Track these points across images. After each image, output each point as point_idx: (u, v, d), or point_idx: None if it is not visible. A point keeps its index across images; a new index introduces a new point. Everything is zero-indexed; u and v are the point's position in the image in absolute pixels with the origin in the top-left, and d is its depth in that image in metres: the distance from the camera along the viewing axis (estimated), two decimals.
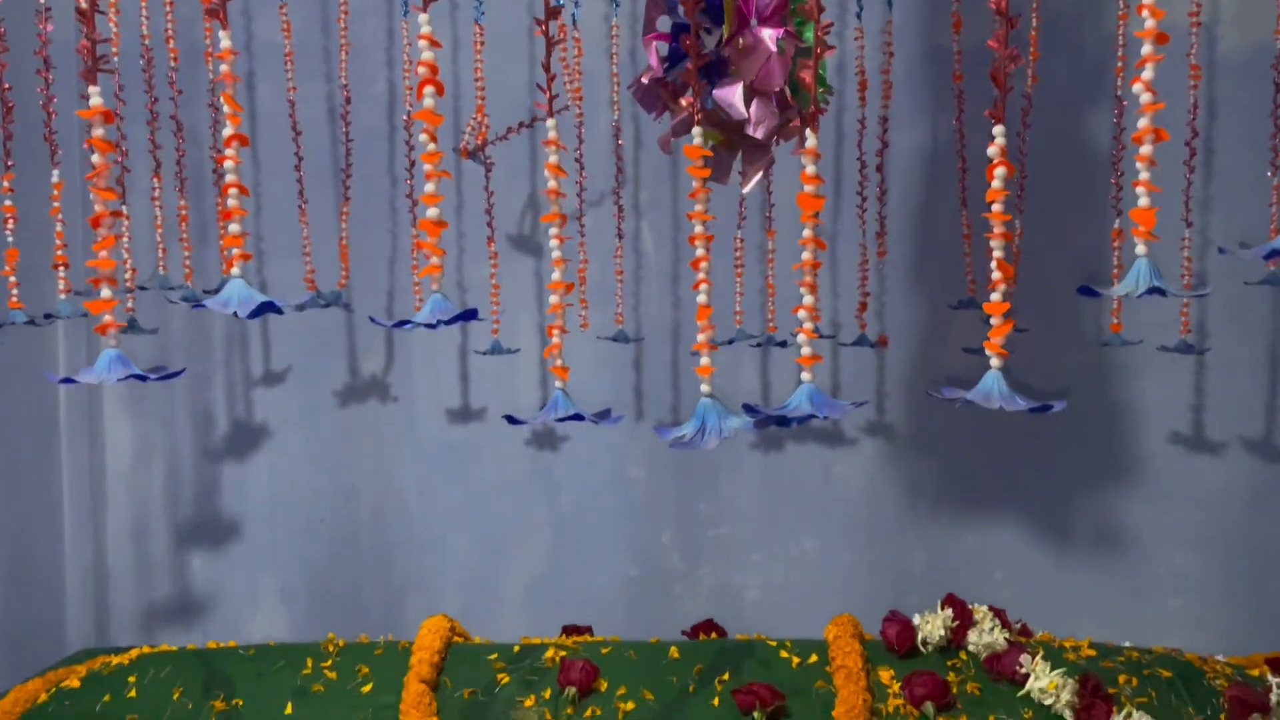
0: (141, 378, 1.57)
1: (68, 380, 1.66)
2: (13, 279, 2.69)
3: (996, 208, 1.58)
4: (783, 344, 3.06)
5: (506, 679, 2.41)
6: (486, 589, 3.42)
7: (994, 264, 1.59)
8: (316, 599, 3.47)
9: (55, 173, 2.71)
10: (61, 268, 2.71)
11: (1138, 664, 2.29)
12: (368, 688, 2.43)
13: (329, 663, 2.50)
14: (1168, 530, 3.07)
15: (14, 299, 2.72)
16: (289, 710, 2.39)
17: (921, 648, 2.34)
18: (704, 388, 1.70)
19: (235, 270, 1.60)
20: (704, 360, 1.68)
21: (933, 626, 2.32)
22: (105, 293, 1.57)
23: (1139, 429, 3.07)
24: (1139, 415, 3.07)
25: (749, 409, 1.68)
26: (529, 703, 2.37)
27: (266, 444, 3.54)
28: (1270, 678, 2.18)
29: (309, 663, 2.50)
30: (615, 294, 3.16)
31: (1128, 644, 2.40)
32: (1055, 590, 3.12)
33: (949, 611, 2.33)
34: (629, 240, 3.27)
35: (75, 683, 2.53)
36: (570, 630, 2.74)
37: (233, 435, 3.52)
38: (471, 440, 3.48)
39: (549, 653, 2.46)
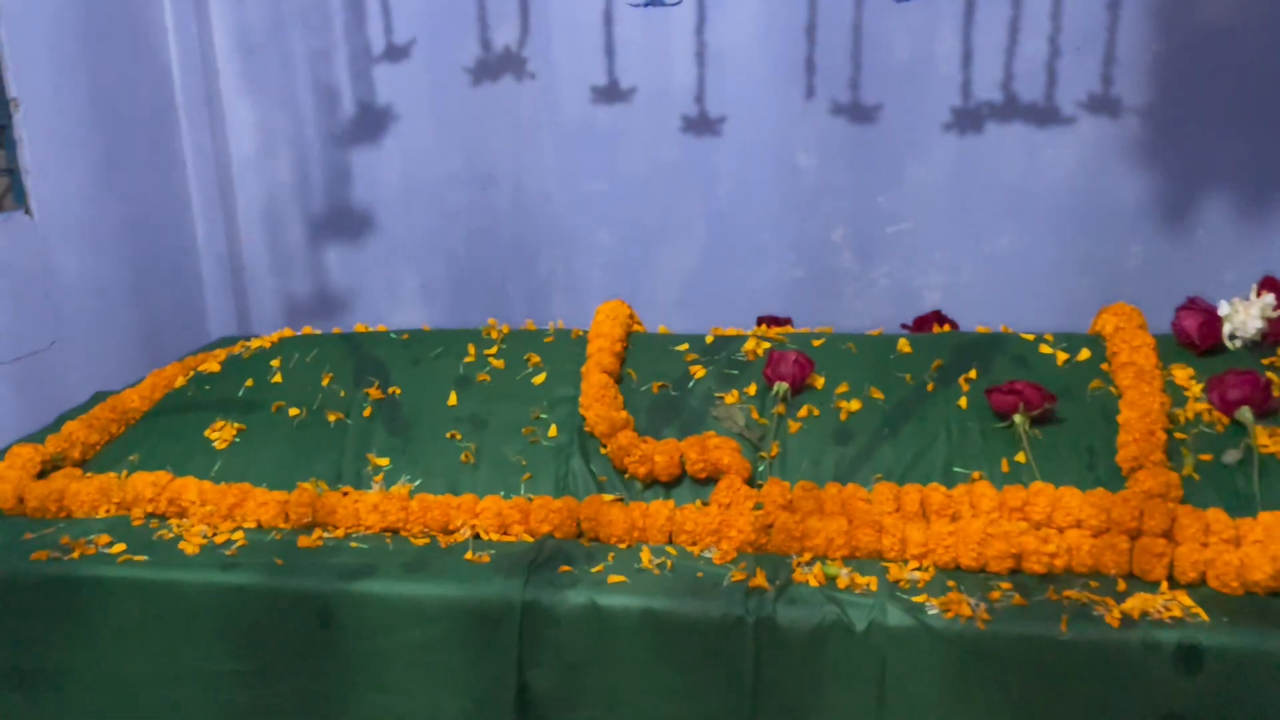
0: None
1: None
2: None
3: None
4: None
5: (701, 372, 1.77)
6: (637, 287, 2.72)
7: None
8: (458, 294, 2.83)
9: None
10: None
11: None
12: (540, 378, 1.81)
13: (493, 350, 1.88)
14: None
15: None
16: (453, 401, 1.80)
17: (1228, 343, 1.63)
18: None
19: None
20: None
21: (1246, 316, 1.58)
22: None
23: None
24: None
25: None
26: (730, 398, 1.71)
27: (394, 127, 2.78)
28: None
29: (471, 349, 1.88)
30: None
31: None
32: None
33: (1269, 298, 1.59)
34: None
35: (215, 366, 1.95)
36: (768, 320, 2.04)
37: (359, 118, 2.75)
38: (618, 124, 2.67)
39: (749, 344, 1.78)
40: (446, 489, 1.71)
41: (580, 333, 1.91)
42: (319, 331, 1.99)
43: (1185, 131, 2.33)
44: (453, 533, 1.64)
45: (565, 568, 1.52)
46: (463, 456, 1.75)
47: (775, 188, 2.58)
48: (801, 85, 2.50)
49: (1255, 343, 1.65)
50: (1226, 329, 1.65)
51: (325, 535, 1.64)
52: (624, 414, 1.71)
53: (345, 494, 1.70)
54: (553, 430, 1.76)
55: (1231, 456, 1.52)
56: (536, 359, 1.87)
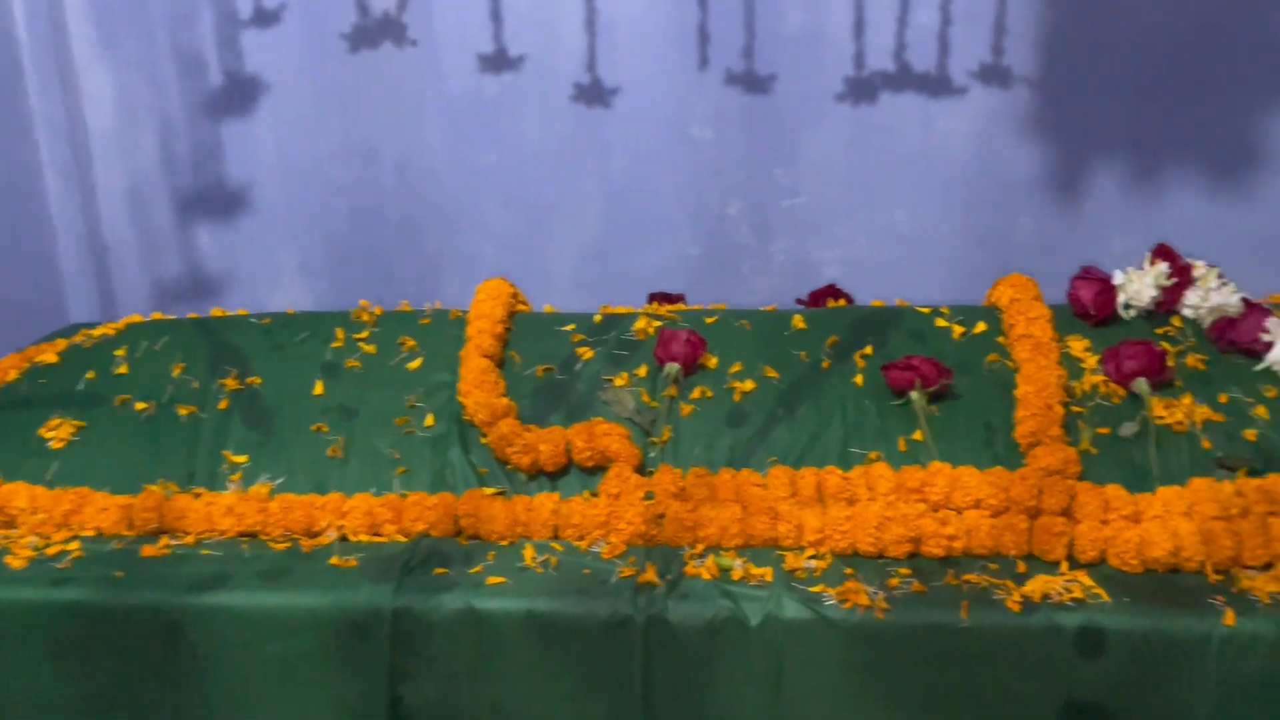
0: None
1: None
2: None
3: None
4: None
5: (589, 354, 1.63)
6: (530, 265, 2.54)
7: None
8: (342, 273, 2.61)
9: None
10: None
11: None
12: (415, 364, 1.66)
13: (364, 334, 1.71)
14: None
15: None
16: (319, 390, 1.62)
17: (1123, 312, 1.56)
18: None
19: None
20: None
21: (1140, 285, 1.52)
22: None
23: None
24: None
25: None
26: (620, 381, 1.58)
27: (266, 98, 2.54)
28: None
29: (339, 334, 1.71)
30: None
31: None
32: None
33: (1162, 266, 1.53)
34: None
35: (52, 357, 1.71)
36: (659, 298, 1.90)
37: (227, 88, 2.50)
38: (507, 94, 2.48)
39: (640, 323, 1.65)
40: (312, 487, 1.54)
41: (460, 313, 1.75)
42: (172, 317, 1.78)
43: (1074, 102, 2.28)
44: (317, 535, 1.48)
45: (441, 570, 1.38)
46: (330, 451, 1.58)
47: (670, 160, 2.44)
48: (694, 55, 2.37)
49: (1149, 312, 1.60)
50: (1121, 298, 1.59)
51: (173, 543, 1.46)
52: (505, 400, 1.57)
53: (197, 496, 1.51)
54: (429, 420, 1.61)
55: (1128, 429, 1.47)
56: (412, 343, 1.70)
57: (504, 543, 1.46)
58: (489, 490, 1.53)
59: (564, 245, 2.53)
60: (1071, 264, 1.81)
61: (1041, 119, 2.32)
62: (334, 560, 1.41)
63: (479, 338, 1.63)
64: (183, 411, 1.63)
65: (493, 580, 1.36)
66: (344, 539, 1.47)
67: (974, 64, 2.29)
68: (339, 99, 2.47)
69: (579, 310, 1.92)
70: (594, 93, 2.43)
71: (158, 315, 1.90)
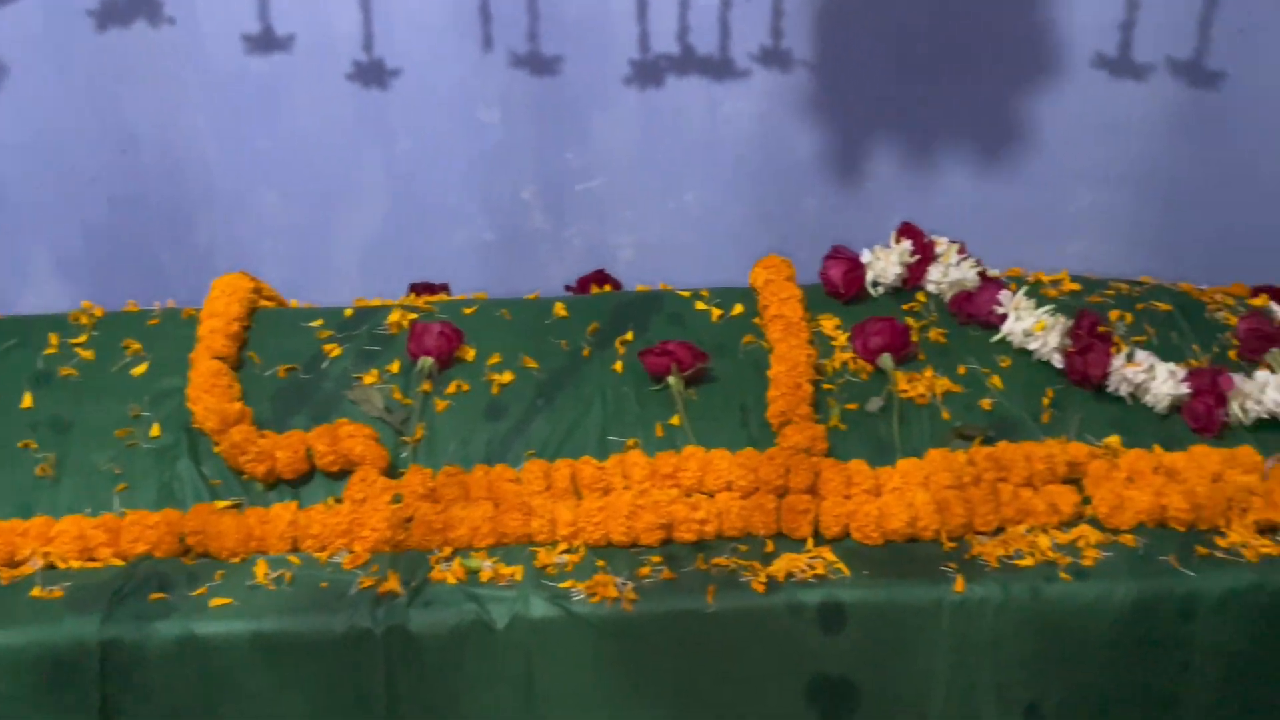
0: None
1: None
2: None
3: None
4: None
5: (337, 350, 1.52)
6: (312, 256, 2.40)
7: None
8: (104, 270, 2.38)
9: None
10: None
11: (1129, 297, 1.65)
12: (141, 369, 1.52)
13: (83, 339, 1.56)
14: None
15: None
16: (28, 403, 1.45)
17: (871, 290, 1.59)
18: None
19: None
20: None
21: (886, 263, 1.54)
22: None
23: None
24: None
25: None
26: (370, 378, 1.48)
27: (4, 81, 2.25)
28: (1275, 307, 1.53)
29: (53, 339, 1.53)
30: None
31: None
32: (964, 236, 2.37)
33: (906, 244, 1.57)
34: None
35: None
36: (421, 289, 1.81)
37: None
38: (278, 76, 2.30)
39: (394, 315, 1.56)
40: (15, 512, 1.38)
41: (193, 312, 1.60)
42: None
43: (850, 84, 2.32)
44: (20, 564, 1.31)
45: (159, 594, 1.25)
46: (39, 470, 1.42)
47: (458, 144, 2.34)
48: (478, 36, 2.27)
49: (896, 289, 1.63)
50: (869, 276, 1.61)
51: None
52: (239, 405, 1.45)
53: None
54: (155, 430, 1.47)
55: (875, 404, 1.49)
56: (137, 346, 1.55)
57: (236, 560, 1.34)
58: (221, 504, 1.40)
59: (349, 234, 2.38)
60: (855, 245, 1.84)
61: (821, 101, 2.36)
62: (36, 592, 1.25)
63: (210, 338, 1.49)
64: None
65: (217, 602, 1.24)
66: (50, 567, 1.31)
67: (755, 47, 2.31)
68: (87, 82, 2.23)
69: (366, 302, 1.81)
70: (373, 74, 2.29)
71: None
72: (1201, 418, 1.48)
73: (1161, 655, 1.28)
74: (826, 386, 1.53)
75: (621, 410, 1.50)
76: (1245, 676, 1.29)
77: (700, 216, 2.38)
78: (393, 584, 1.27)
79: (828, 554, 1.33)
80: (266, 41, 2.27)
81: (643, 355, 1.52)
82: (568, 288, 1.92)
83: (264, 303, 1.66)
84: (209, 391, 1.43)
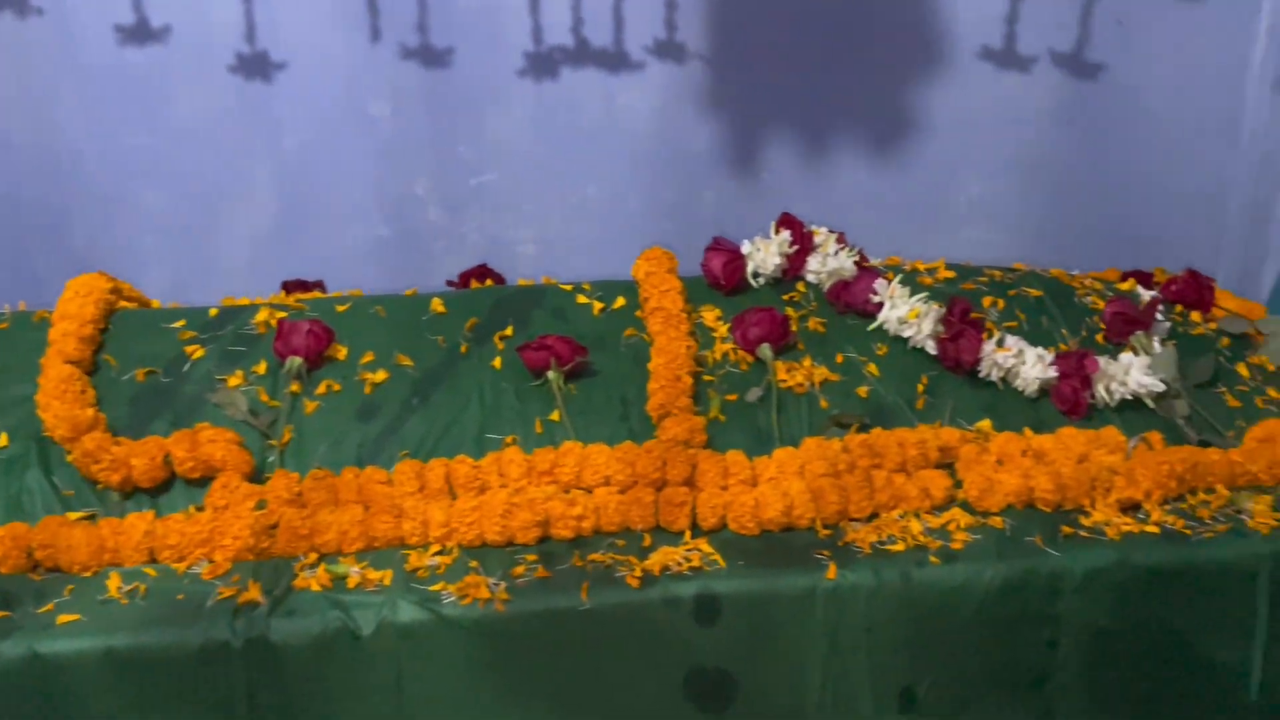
0: None
1: None
2: None
3: None
4: None
5: (200, 352, 1.46)
6: (199, 254, 2.31)
7: None
8: None
9: None
10: None
11: (1002, 284, 1.67)
12: None
13: None
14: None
15: None
16: None
17: (752, 281, 1.59)
18: None
19: None
20: None
21: (766, 254, 1.55)
22: None
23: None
24: None
25: None
26: (235, 380, 1.42)
27: None
28: (1142, 291, 1.57)
29: None
30: None
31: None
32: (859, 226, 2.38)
33: (785, 235, 1.58)
34: None
35: None
36: (293, 286, 1.75)
37: None
38: (155, 68, 2.21)
39: (261, 314, 1.50)
40: None
41: (45, 315, 1.52)
42: None
43: (744, 76, 2.32)
44: None
45: (1, 613, 1.18)
46: None
47: (349, 139, 2.27)
48: (365, 27, 2.21)
49: (777, 279, 1.63)
50: (750, 267, 1.61)
51: None
52: (92, 411, 1.37)
53: None
54: (2, 439, 1.39)
55: (754, 394, 1.49)
56: None
57: (88, 574, 1.27)
58: (74, 515, 1.33)
59: (236, 233, 2.30)
60: (753, 235, 1.81)
61: (716, 93, 2.35)
62: None
63: (62, 341, 1.41)
64: None
65: (65, 619, 1.18)
66: None
67: (649, 39, 2.29)
68: None
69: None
70: (256, 66, 2.21)
71: None
72: (1069, 400, 1.51)
73: (1030, 633, 1.30)
74: (707, 378, 1.52)
75: (500, 407, 1.47)
76: (1110, 651, 1.32)
77: (601, 209, 2.36)
78: (253, 594, 1.22)
79: (704, 546, 1.32)
80: (142, 32, 2.17)
81: (521, 350, 1.49)
82: (449, 283, 1.88)
83: (125, 304, 1.59)
84: (59, 398, 1.36)
